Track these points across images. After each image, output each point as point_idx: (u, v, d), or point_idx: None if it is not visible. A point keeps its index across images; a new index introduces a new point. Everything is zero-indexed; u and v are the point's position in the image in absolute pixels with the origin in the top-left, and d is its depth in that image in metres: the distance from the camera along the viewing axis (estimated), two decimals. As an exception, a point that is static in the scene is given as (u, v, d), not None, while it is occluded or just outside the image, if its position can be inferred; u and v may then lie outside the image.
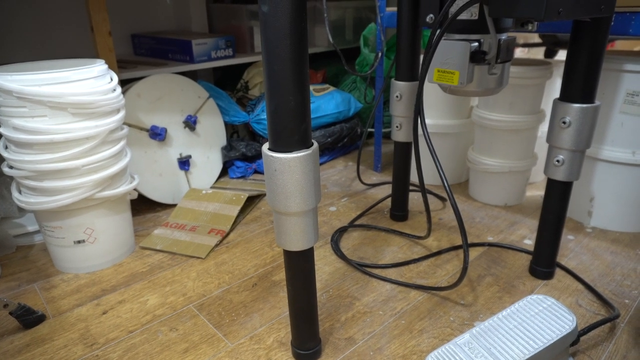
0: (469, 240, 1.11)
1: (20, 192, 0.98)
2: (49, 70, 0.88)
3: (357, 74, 1.38)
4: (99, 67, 0.96)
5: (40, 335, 0.84)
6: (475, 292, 0.92)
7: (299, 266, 0.68)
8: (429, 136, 0.77)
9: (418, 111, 0.77)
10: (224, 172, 1.49)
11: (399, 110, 1.10)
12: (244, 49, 1.68)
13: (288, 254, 0.67)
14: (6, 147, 0.95)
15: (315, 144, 0.61)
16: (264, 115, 1.49)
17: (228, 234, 1.16)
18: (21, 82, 0.86)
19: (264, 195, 1.38)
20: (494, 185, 1.28)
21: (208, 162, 1.42)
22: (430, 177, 1.43)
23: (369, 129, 1.77)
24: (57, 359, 0.78)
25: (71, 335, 0.83)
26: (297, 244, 0.64)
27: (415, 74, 1.08)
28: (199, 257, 1.06)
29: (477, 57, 0.79)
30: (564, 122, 0.83)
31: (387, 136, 1.85)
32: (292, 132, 0.58)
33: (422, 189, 0.85)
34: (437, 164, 0.74)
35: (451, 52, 0.81)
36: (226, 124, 1.48)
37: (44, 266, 1.05)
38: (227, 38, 1.57)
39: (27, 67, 0.93)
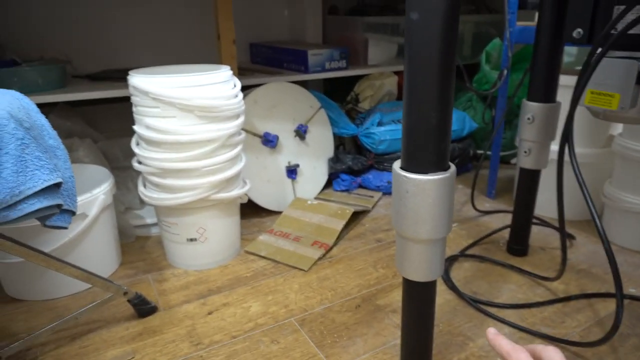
0: (604, 290, 0.96)
1: (145, 186, 1.05)
2: (182, 74, 0.92)
3: (478, 92, 1.29)
4: (225, 72, 0.99)
5: (151, 326, 0.87)
6: (617, 355, 0.78)
7: (420, 298, 0.62)
8: (578, 166, 0.67)
9: (567, 137, 0.68)
10: (328, 184, 1.47)
11: (530, 134, 0.99)
12: (357, 61, 1.67)
13: (409, 284, 0.61)
14: (137, 144, 1.02)
15: (453, 167, 0.55)
16: (373, 129, 1.45)
17: (331, 248, 1.13)
18: (157, 85, 0.91)
19: (369, 211, 1.33)
20: (637, 227, 1.11)
21: (314, 172, 1.42)
22: (553, 210, 1.28)
23: (482, 152, 1.65)
24: (166, 352, 0.80)
25: (179, 330, 0.86)
26: (421, 274, 0.58)
27: (552, 94, 0.97)
28: (301, 269, 1.05)
29: (645, 78, 0.67)
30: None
31: (503, 161, 1.71)
32: (429, 152, 0.53)
33: (561, 224, 0.74)
34: (587, 197, 0.64)
35: (612, 71, 0.70)
36: (334, 136, 1.47)
37: (157, 258, 1.11)
38: (342, 50, 1.56)
39: (160, 71, 0.98)
